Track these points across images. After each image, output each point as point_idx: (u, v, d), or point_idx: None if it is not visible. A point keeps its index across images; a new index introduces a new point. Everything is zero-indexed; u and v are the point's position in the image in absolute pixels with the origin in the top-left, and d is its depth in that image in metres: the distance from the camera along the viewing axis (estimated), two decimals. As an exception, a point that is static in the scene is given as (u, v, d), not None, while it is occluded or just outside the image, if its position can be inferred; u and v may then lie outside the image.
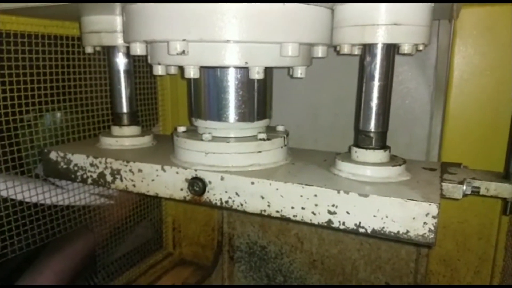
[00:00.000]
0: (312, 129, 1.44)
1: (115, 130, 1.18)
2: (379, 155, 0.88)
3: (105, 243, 1.45)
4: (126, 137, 1.17)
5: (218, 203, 0.91)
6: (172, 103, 1.63)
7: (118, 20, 1.03)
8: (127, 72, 1.17)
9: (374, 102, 0.86)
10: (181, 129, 1.04)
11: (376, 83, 0.84)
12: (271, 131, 1.04)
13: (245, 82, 0.94)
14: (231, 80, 0.93)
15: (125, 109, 1.19)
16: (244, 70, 0.92)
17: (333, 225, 0.80)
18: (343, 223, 0.80)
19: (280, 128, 1.07)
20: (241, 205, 0.89)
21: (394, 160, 0.91)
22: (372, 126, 0.88)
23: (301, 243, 1.51)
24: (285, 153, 1.01)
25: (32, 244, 1.19)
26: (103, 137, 1.16)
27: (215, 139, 0.95)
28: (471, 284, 1.32)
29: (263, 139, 0.95)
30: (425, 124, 1.28)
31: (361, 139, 0.90)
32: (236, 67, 0.91)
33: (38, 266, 1.43)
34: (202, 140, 0.93)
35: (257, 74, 0.81)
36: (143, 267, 1.58)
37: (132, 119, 1.21)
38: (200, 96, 0.99)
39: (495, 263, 1.26)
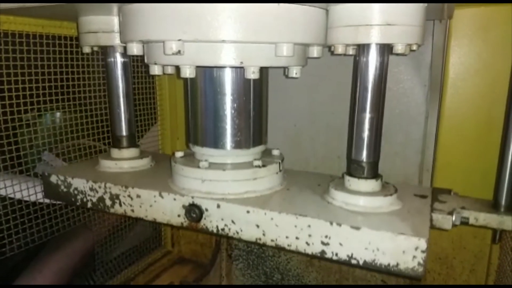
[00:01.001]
0: (309, 127, 1.45)
1: (114, 152, 1.20)
2: (371, 185, 0.90)
3: (104, 242, 1.46)
4: (125, 159, 1.18)
5: (215, 230, 0.93)
6: (171, 102, 1.64)
7: (115, 20, 1.04)
8: (126, 94, 1.19)
9: (366, 134, 0.89)
10: (179, 154, 1.06)
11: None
12: (266, 155, 1.06)
13: (242, 111, 0.97)
14: (228, 109, 0.96)
15: (124, 132, 1.21)
16: (240, 97, 0.95)
17: (326, 256, 0.83)
18: (336, 254, 0.82)
19: (275, 152, 1.09)
20: (237, 233, 0.91)
21: (386, 189, 0.93)
22: (364, 156, 0.90)
23: (298, 241, 1.52)
24: (280, 179, 1.03)
25: (31, 242, 1.20)
26: (102, 159, 1.18)
27: (211, 166, 0.97)
28: (466, 282, 1.33)
29: (259, 166, 0.97)
30: (421, 124, 1.29)
31: (353, 168, 0.92)
32: (234, 93, 0.94)
33: (37, 264, 1.44)
34: (199, 167, 0.95)
35: (252, 74, 0.82)
36: (142, 265, 1.59)
37: (131, 141, 1.23)
38: (197, 123, 1.01)
39: (491, 261, 1.27)
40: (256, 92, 0.98)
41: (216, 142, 0.98)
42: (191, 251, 1.79)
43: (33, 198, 1.20)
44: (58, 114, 1.33)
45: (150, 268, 1.60)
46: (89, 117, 1.35)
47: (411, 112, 1.29)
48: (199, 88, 0.98)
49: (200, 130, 1.00)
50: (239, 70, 0.93)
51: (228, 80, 0.94)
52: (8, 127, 1.11)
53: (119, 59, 1.15)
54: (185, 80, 1.02)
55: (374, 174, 0.92)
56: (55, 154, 1.33)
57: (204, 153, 1.00)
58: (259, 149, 1.03)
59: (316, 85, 1.40)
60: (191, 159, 1.03)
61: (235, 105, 0.95)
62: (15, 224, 1.15)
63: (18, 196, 1.16)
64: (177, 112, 1.67)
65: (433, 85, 1.25)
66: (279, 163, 1.01)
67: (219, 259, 1.66)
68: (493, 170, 1.19)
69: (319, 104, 1.42)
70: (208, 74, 0.95)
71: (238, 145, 0.98)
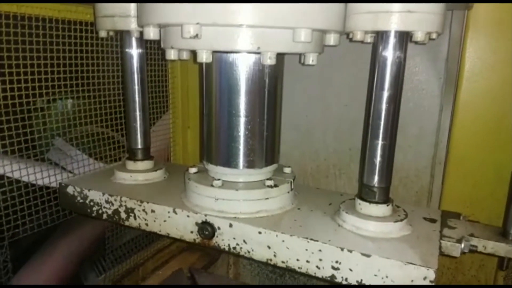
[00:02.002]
0: (321, 119, 1.44)
1: (130, 164, 1.23)
2: (382, 209, 0.91)
3: (114, 227, 1.48)
4: (139, 172, 1.21)
5: (226, 248, 0.95)
6: (182, 91, 1.64)
7: (132, 5, 1.04)
8: (142, 109, 1.22)
9: (378, 160, 0.90)
10: (193, 170, 1.08)
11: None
12: (278, 173, 1.07)
13: (256, 133, 0.98)
14: (241, 130, 0.97)
15: (139, 145, 1.24)
16: (255, 119, 0.97)
17: (336, 280, 0.84)
18: (346, 279, 0.83)
19: (287, 170, 1.10)
20: (248, 252, 0.92)
21: (396, 213, 0.94)
22: (375, 181, 0.91)
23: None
24: (292, 197, 1.05)
25: (43, 224, 1.22)
26: (118, 171, 1.20)
27: (225, 184, 0.98)
28: (475, 277, 1.33)
29: (271, 186, 0.98)
30: (435, 117, 1.28)
31: (364, 192, 0.93)
32: (247, 115, 0.96)
33: (47, 248, 1.46)
34: (212, 186, 0.97)
35: (269, 59, 0.82)
36: (150, 251, 1.61)
37: (145, 153, 1.26)
38: (211, 142, 1.03)
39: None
40: (270, 112, 0.99)
41: (229, 161, 1.00)
42: (199, 239, 1.80)
43: (45, 182, 1.22)
44: (71, 100, 1.34)
45: (159, 254, 1.62)
46: (102, 103, 1.36)
47: (426, 105, 1.28)
48: (214, 105, 1.00)
49: (214, 149, 1.02)
50: (255, 74, 0.94)
51: (242, 102, 0.95)
52: (22, 111, 1.12)
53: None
54: (201, 78, 1.02)
55: (385, 199, 0.92)
56: (67, 140, 1.34)
57: (218, 171, 1.02)
58: (271, 168, 1.05)
59: (330, 77, 1.40)
60: (204, 176, 1.05)
61: (249, 126, 0.97)
62: (28, 206, 1.16)
63: (32, 179, 1.18)
64: (189, 101, 1.67)
65: (448, 78, 1.24)
66: (291, 182, 1.03)
67: (227, 247, 1.67)
68: (507, 165, 1.18)
69: (332, 96, 1.41)
70: (223, 85, 0.97)
71: (251, 165, 1.00)
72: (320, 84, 1.42)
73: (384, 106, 0.86)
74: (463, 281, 1.34)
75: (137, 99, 1.21)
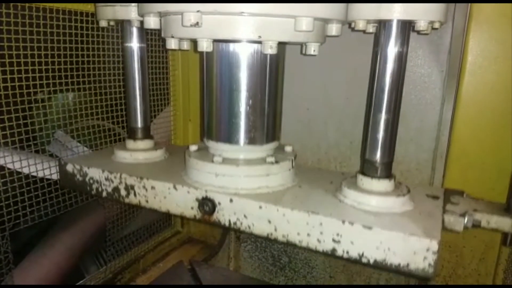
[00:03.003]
0: (322, 112, 1.44)
1: (130, 143, 1.22)
2: (384, 185, 0.91)
3: (115, 219, 1.48)
4: (140, 151, 1.21)
5: (227, 224, 0.94)
6: (183, 84, 1.64)
7: (132, -6, 1.04)
8: (142, 87, 1.21)
9: (381, 134, 0.89)
10: (193, 148, 1.07)
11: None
12: (279, 151, 1.07)
13: (257, 108, 0.97)
14: (242, 106, 0.96)
15: (139, 124, 1.23)
16: (255, 96, 0.96)
17: (336, 254, 0.84)
18: (347, 252, 0.83)
19: (288, 148, 1.09)
20: (249, 227, 0.92)
21: (398, 189, 0.93)
22: (378, 156, 0.90)
23: (307, 225, 1.53)
24: (293, 175, 1.04)
25: (44, 216, 1.22)
26: (117, 150, 1.20)
27: (225, 161, 0.98)
28: (476, 271, 1.33)
29: (272, 163, 0.97)
30: (436, 110, 1.27)
31: (366, 167, 0.92)
32: (249, 89, 0.95)
33: (49, 240, 1.46)
34: (213, 162, 0.96)
35: (270, 48, 0.81)
36: (151, 243, 1.61)
37: (145, 133, 1.25)
38: (212, 118, 1.02)
39: (501, 250, 1.26)
40: (271, 88, 0.98)
41: (230, 138, 0.99)
42: (200, 231, 1.80)
43: (45, 173, 1.22)
44: (72, 93, 1.34)
45: (159, 247, 1.62)
46: (103, 94, 1.36)
47: (427, 98, 1.28)
48: (215, 83, 0.99)
49: (214, 126, 1.01)
50: (255, 63, 0.93)
51: (243, 76, 0.94)
52: (22, 103, 1.12)
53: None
54: (201, 61, 1.01)
55: (387, 174, 0.92)
56: (67, 133, 1.34)
57: (218, 148, 1.01)
58: (272, 145, 1.04)
59: (331, 69, 1.39)
60: (205, 154, 1.04)
61: (250, 101, 0.96)
62: (29, 197, 1.16)
63: (32, 170, 1.17)
64: (190, 94, 1.66)
65: (451, 71, 1.23)
66: (292, 160, 1.02)
67: (227, 240, 1.68)
68: (508, 159, 1.17)
69: (333, 88, 1.40)
70: (225, 68, 0.96)
71: (252, 141, 0.99)
72: (322, 77, 1.41)
73: (387, 82, 0.85)
74: (463, 274, 1.34)
75: (136, 76, 1.20)
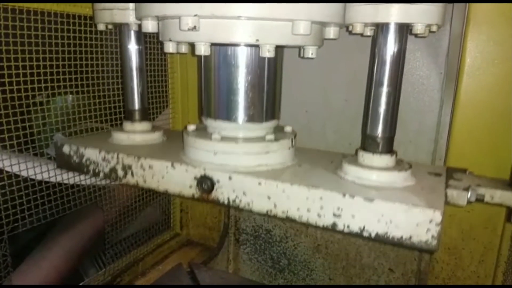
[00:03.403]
0: (321, 114, 1.44)
1: (127, 125, 1.21)
2: (385, 160, 0.90)
3: (114, 222, 1.48)
4: (137, 132, 1.19)
5: (226, 202, 0.93)
6: (182, 86, 1.64)
7: (130, -2, 1.04)
8: (139, 68, 1.20)
9: (382, 108, 0.88)
10: (191, 127, 1.06)
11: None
12: (279, 131, 1.05)
13: (255, 85, 0.96)
14: (241, 83, 0.95)
15: (136, 106, 1.22)
16: (254, 71, 0.94)
17: (337, 228, 0.82)
18: (348, 226, 0.81)
19: (288, 128, 1.08)
20: (248, 204, 0.91)
21: (400, 165, 0.92)
22: (379, 131, 0.89)
23: (306, 227, 1.53)
24: (292, 154, 1.03)
25: (42, 219, 1.21)
26: (115, 132, 1.19)
27: (224, 139, 0.97)
28: (475, 273, 1.33)
29: (271, 140, 0.96)
30: (435, 112, 1.27)
31: (368, 143, 0.91)
32: (248, 66, 0.93)
33: (47, 242, 1.46)
34: (211, 140, 0.95)
35: (268, 52, 0.82)
36: (150, 246, 1.61)
37: (143, 115, 1.24)
38: (211, 96, 1.00)
39: (500, 253, 1.26)
40: (270, 67, 0.97)
41: (229, 115, 0.98)
42: (199, 234, 1.80)
43: (44, 177, 1.21)
44: (70, 96, 1.34)
45: (158, 250, 1.62)
46: (102, 97, 1.36)
47: (426, 100, 1.28)
48: (213, 64, 0.97)
49: (213, 103, 1.00)
50: (254, 47, 0.92)
51: (242, 55, 0.93)
52: (21, 106, 1.11)
53: (133, 38, 1.15)
54: (199, 57, 1.01)
55: (389, 149, 0.91)
56: (66, 136, 1.34)
57: (217, 126, 1.00)
58: (271, 124, 1.03)
59: (330, 72, 1.39)
60: (203, 132, 1.03)
61: (249, 78, 0.94)
62: (28, 201, 1.16)
63: (31, 174, 1.17)
64: (188, 97, 1.66)
65: (449, 73, 1.23)
66: (292, 139, 1.01)
67: (226, 243, 1.67)
68: (507, 161, 1.17)
69: (332, 91, 1.40)
70: (223, 49, 0.94)
71: (251, 118, 0.98)
72: (320, 79, 1.41)
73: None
74: (463, 276, 1.34)
75: (133, 58, 1.18)
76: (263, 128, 1.01)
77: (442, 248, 1.35)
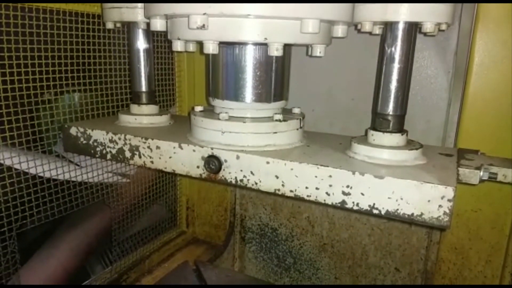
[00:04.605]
0: (328, 113, 1.44)
1: (134, 108, 1.21)
2: (396, 139, 0.88)
3: (121, 220, 1.48)
4: (144, 115, 1.19)
5: (233, 181, 0.92)
6: (189, 84, 1.65)
7: (139, -3, 1.04)
8: (146, 51, 1.19)
9: (393, 85, 0.86)
10: (198, 108, 1.06)
11: (396, 65, 0.84)
12: (287, 113, 1.05)
13: (263, 63, 0.94)
14: (249, 60, 0.93)
15: (144, 88, 1.22)
16: (262, 50, 0.93)
17: (346, 206, 0.81)
18: (357, 204, 0.80)
19: (296, 110, 1.07)
20: (256, 183, 0.90)
21: (410, 144, 0.91)
22: (390, 109, 0.88)
23: (312, 226, 1.53)
24: (301, 135, 1.02)
25: (50, 216, 1.22)
26: (122, 114, 1.19)
27: (231, 118, 0.96)
28: (482, 273, 1.32)
29: (279, 120, 0.95)
30: (443, 111, 1.27)
31: (378, 122, 0.89)
32: (255, 44, 0.92)
33: (55, 240, 1.47)
34: (219, 119, 0.95)
35: (276, 51, 0.82)
36: (157, 243, 1.62)
37: (150, 98, 1.23)
38: (218, 76, 0.99)
39: (508, 253, 1.25)
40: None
41: (236, 95, 0.97)
42: (205, 232, 1.81)
43: (53, 174, 1.22)
44: (78, 94, 1.35)
45: (165, 247, 1.63)
46: (109, 95, 1.36)
47: (434, 99, 1.27)
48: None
49: (220, 83, 0.99)
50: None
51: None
52: (29, 104, 1.12)
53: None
54: (207, 55, 1.01)
55: (399, 128, 0.90)
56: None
57: (225, 106, 0.99)
58: (279, 104, 1.02)
59: (337, 71, 1.39)
60: (210, 113, 1.03)
61: (257, 56, 0.93)
62: (36, 198, 1.17)
63: (39, 171, 1.18)
64: (195, 95, 1.67)
65: (457, 72, 1.22)
66: (300, 119, 1.00)
67: (232, 241, 1.68)
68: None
69: (339, 90, 1.40)
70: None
71: (258, 98, 0.97)
72: (327, 78, 1.41)
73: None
74: (469, 276, 1.33)
75: (141, 38, 1.18)
76: (271, 109, 1.00)
77: (449, 247, 1.35)
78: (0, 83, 1.03)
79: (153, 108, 1.22)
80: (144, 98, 1.22)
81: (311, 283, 1.58)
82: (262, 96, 0.97)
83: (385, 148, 0.87)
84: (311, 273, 1.57)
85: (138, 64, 1.19)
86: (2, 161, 1.09)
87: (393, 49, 0.83)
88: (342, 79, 1.39)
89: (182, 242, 1.70)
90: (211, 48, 0.83)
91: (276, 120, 0.95)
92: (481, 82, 1.20)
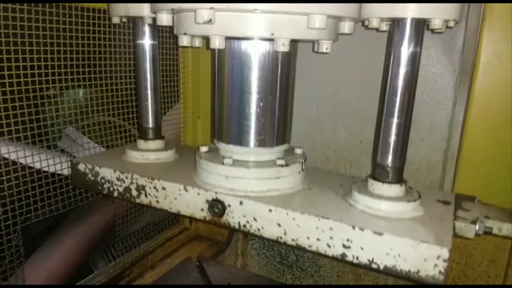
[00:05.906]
0: (332, 111, 1.43)
1: (141, 143, 1.23)
2: (395, 190, 0.90)
3: (124, 215, 1.49)
4: (151, 151, 1.21)
5: (237, 226, 0.94)
6: (193, 81, 1.65)
7: (145, -9, 1.04)
8: (154, 89, 1.22)
9: (393, 138, 0.89)
10: (203, 149, 1.07)
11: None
12: (289, 154, 1.07)
13: (267, 110, 0.97)
14: (253, 108, 0.96)
15: (150, 124, 1.24)
16: (265, 98, 0.96)
17: (346, 259, 0.83)
18: (357, 258, 0.82)
19: (298, 151, 1.09)
20: (258, 230, 0.92)
21: (409, 194, 0.92)
22: (389, 160, 0.90)
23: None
24: (302, 178, 1.04)
25: (55, 210, 1.23)
26: (129, 150, 1.21)
27: (235, 163, 0.98)
28: (485, 272, 1.31)
29: (282, 165, 0.97)
30: (448, 110, 1.26)
31: (378, 172, 0.92)
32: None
33: (58, 235, 1.48)
34: (223, 164, 0.96)
35: (282, 46, 0.81)
36: (160, 239, 1.62)
37: (156, 133, 1.26)
38: (223, 120, 1.02)
39: (512, 253, 1.25)
40: (282, 90, 0.98)
41: (240, 140, 0.99)
42: (208, 228, 1.81)
43: (56, 168, 1.23)
44: (83, 89, 1.35)
45: (168, 243, 1.63)
46: (114, 90, 1.37)
47: (439, 98, 1.27)
48: (226, 83, 0.99)
49: (225, 128, 1.02)
50: (267, 62, 0.93)
51: (254, 78, 0.94)
52: (34, 98, 1.12)
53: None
54: (213, 54, 1.01)
55: (398, 179, 0.91)
56: (78, 129, 1.35)
57: (228, 150, 1.01)
58: (282, 147, 1.04)
59: (342, 68, 1.38)
60: (215, 155, 1.04)
61: (261, 104, 0.96)
62: (40, 192, 1.17)
63: (43, 165, 1.19)
64: (199, 91, 1.67)
65: (463, 71, 1.21)
66: (302, 162, 1.02)
67: (235, 238, 1.68)
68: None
69: (344, 88, 1.40)
70: (236, 66, 0.96)
71: (262, 143, 0.99)
72: (331, 75, 1.40)
73: (400, 83, 0.85)
74: (473, 276, 1.33)
75: (148, 77, 1.21)
76: (274, 153, 1.02)
77: (453, 246, 1.32)
78: (6, 78, 1.04)
79: (159, 143, 1.25)
80: (150, 134, 1.25)
81: (314, 280, 1.58)
82: (265, 142, 0.99)
83: (384, 199, 0.89)
84: (314, 271, 1.57)
85: (145, 102, 1.22)
86: (7, 155, 1.09)
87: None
88: (346, 77, 1.38)
89: (185, 238, 1.70)
90: (217, 43, 0.83)
91: (279, 165, 0.97)
92: (487, 81, 1.19)
